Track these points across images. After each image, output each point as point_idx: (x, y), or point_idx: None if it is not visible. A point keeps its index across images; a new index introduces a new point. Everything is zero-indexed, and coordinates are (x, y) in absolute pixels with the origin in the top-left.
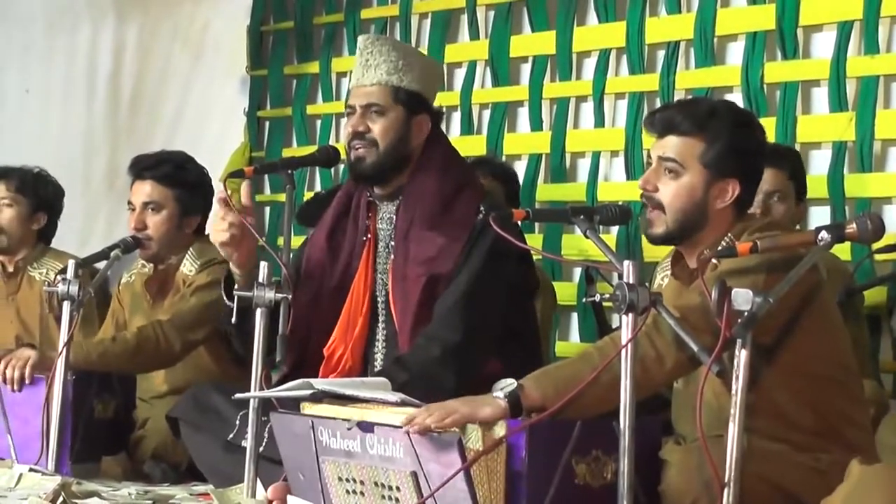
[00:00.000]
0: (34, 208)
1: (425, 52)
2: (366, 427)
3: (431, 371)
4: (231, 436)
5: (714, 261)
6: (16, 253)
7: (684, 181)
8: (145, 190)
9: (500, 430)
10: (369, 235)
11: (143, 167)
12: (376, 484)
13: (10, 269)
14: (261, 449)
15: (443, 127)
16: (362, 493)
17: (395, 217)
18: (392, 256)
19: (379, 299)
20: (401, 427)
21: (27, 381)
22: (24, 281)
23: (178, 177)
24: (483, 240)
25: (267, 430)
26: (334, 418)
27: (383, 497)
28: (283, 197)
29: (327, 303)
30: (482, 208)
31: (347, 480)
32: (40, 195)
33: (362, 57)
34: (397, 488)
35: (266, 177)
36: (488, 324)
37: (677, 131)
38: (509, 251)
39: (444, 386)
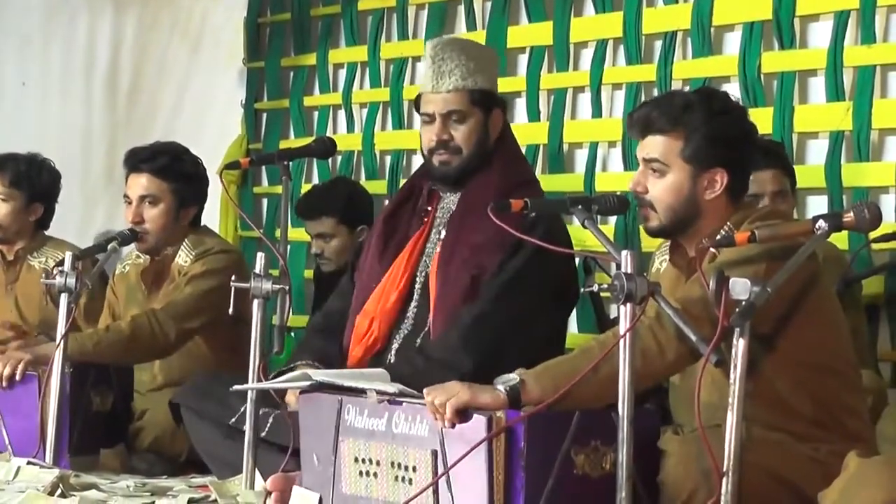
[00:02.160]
0: (30, 200)
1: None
2: (394, 402)
3: (448, 356)
4: (233, 420)
5: (713, 250)
6: (14, 243)
7: (670, 179)
8: (142, 183)
9: (501, 418)
10: (426, 220)
11: (139, 160)
12: (392, 464)
13: (10, 257)
14: (263, 433)
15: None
16: (375, 475)
17: (454, 206)
18: (441, 242)
19: (417, 280)
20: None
21: (18, 379)
22: (23, 270)
23: (175, 169)
24: (532, 234)
25: (272, 416)
26: (365, 395)
27: (396, 478)
28: (280, 189)
29: (373, 282)
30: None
31: (363, 461)
32: (35, 187)
33: (434, 64)
34: (413, 469)
35: (263, 168)
36: (521, 318)
37: (655, 130)
38: (555, 253)
39: (460, 370)
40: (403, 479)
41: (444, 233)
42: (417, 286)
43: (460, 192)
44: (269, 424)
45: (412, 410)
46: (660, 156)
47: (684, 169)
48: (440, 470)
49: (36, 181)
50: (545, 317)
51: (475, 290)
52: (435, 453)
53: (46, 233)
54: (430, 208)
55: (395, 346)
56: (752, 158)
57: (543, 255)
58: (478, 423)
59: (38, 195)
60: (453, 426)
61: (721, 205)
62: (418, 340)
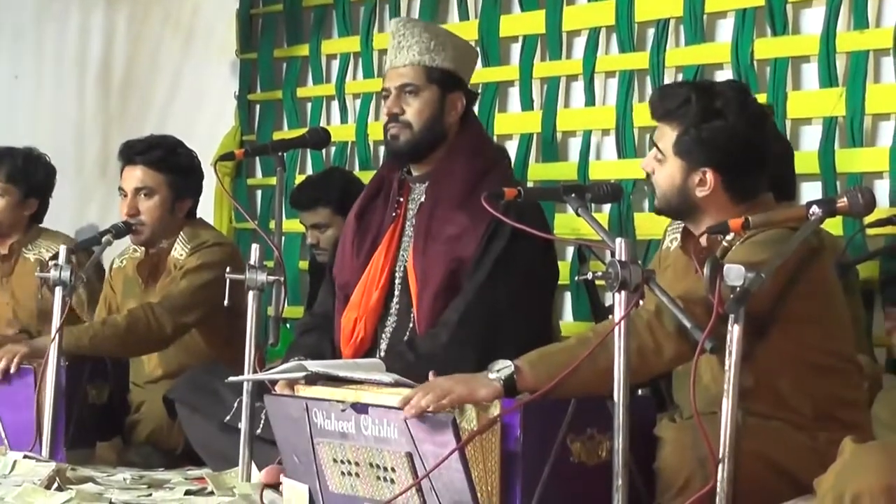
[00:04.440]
0: (25, 195)
1: None
2: (360, 409)
3: (437, 361)
4: (228, 417)
5: (725, 244)
6: (8, 237)
7: (665, 169)
8: (137, 175)
9: (494, 409)
10: (399, 212)
11: (134, 152)
12: (371, 465)
13: (5, 251)
14: (258, 431)
15: None
16: (357, 475)
17: (423, 198)
18: (413, 234)
19: (397, 275)
20: (396, 408)
21: (12, 371)
22: (18, 263)
23: (170, 161)
24: (506, 224)
25: (264, 412)
26: (329, 400)
27: (378, 478)
28: (274, 180)
29: (354, 278)
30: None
31: (342, 462)
32: (30, 182)
33: (395, 39)
34: (392, 469)
35: (257, 160)
36: (506, 310)
37: (657, 118)
38: (533, 236)
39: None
40: (385, 478)
41: (414, 224)
42: (397, 280)
43: (427, 182)
44: (262, 422)
45: (379, 415)
46: (659, 143)
47: (676, 162)
48: (418, 470)
49: (32, 177)
50: (530, 300)
51: (455, 284)
52: (409, 455)
53: (41, 225)
54: (401, 199)
55: (383, 344)
56: (755, 163)
57: (519, 241)
58: (443, 423)
59: (33, 190)
60: (420, 421)
61: (721, 203)
62: (405, 336)
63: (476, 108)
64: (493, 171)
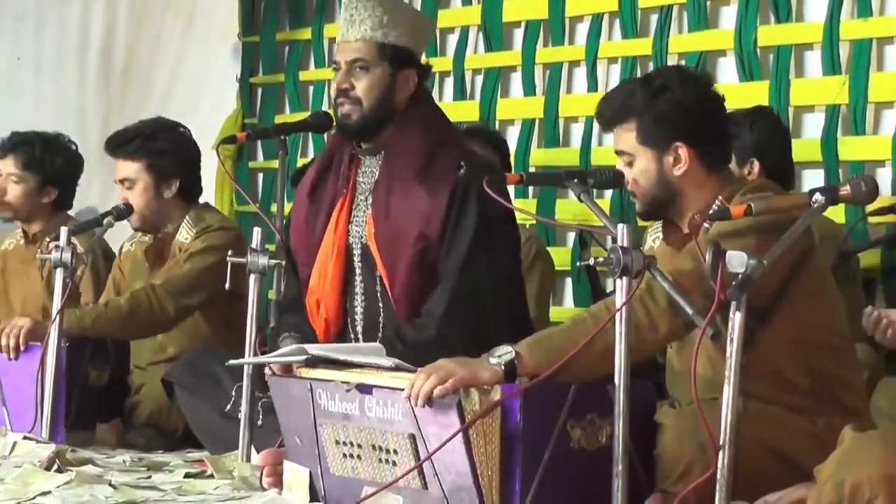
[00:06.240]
0: (42, 183)
1: None
2: (364, 389)
3: (427, 350)
4: (228, 407)
5: (706, 224)
6: (31, 223)
7: (638, 168)
8: (119, 167)
9: (495, 394)
10: (349, 187)
11: (112, 146)
12: (374, 447)
13: (31, 236)
14: (259, 423)
15: (434, 91)
16: (359, 457)
17: (376, 171)
18: (370, 210)
19: (354, 251)
20: (400, 389)
21: (22, 349)
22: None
23: (146, 148)
24: (468, 199)
25: (260, 404)
26: (333, 381)
27: (380, 460)
28: (276, 163)
29: (313, 257)
30: (462, 164)
31: (345, 444)
32: (47, 171)
33: (347, 12)
34: (395, 451)
35: (259, 143)
36: (489, 290)
37: (612, 124)
38: (498, 211)
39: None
40: (387, 460)
41: (371, 199)
42: (356, 258)
43: (379, 154)
44: (261, 414)
45: (383, 396)
46: (623, 147)
47: (646, 154)
48: (420, 452)
49: (49, 165)
50: (512, 276)
51: (425, 260)
52: (412, 437)
53: (70, 213)
54: (349, 174)
55: (358, 326)
56: (716, 127)
57: (488, 215)
58: (448, 405)
59: (51, 178)
60: (426, 406)
61: (699, 177)
62: (380, 318)
63: (478, 94)
64: (448, 143)
